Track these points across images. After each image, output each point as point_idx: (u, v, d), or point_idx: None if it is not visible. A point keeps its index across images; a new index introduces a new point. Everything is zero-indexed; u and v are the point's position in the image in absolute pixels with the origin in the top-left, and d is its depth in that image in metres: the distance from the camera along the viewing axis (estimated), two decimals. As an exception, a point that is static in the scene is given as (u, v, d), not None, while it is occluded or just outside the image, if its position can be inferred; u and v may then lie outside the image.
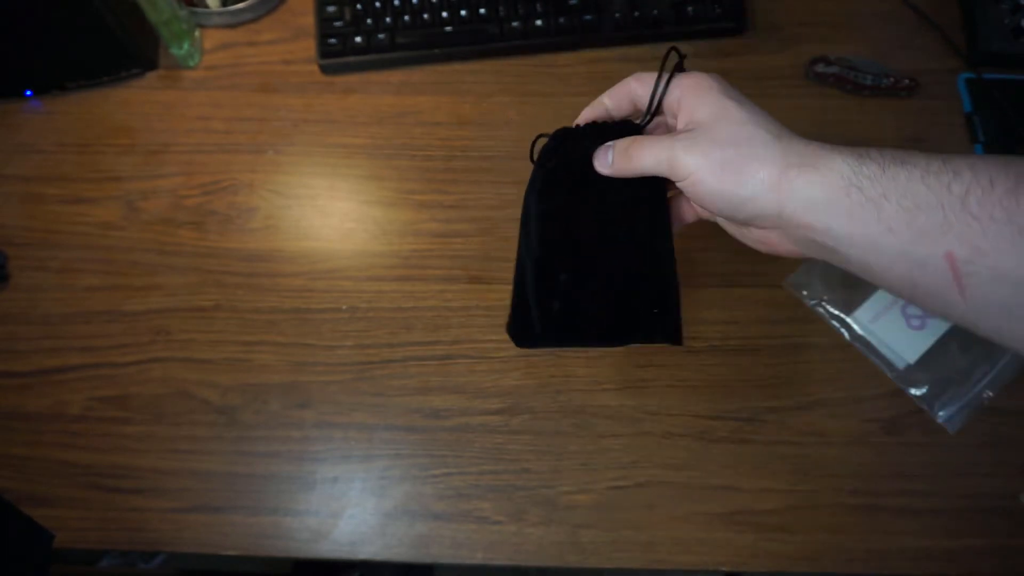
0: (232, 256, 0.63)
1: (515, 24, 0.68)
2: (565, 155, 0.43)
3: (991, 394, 0.56)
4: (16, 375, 0.59)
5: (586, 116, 0.45)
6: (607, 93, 0.45)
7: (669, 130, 0.44)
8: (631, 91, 0.44)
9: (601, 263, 0.43)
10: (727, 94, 0.40)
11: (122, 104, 0.68)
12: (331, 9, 0.69)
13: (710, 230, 0.62)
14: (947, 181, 0.32)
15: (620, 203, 0.43)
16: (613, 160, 0.42)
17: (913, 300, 0.36)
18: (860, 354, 0.59)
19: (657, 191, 0.43)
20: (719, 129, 0.38)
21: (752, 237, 0.41)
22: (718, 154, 0.38)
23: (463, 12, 0.68)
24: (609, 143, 0.42)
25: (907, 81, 0.66)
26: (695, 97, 0.40)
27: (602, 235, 0.43)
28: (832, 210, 0.35)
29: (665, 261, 0.43)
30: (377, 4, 0.69)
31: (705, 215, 0.43)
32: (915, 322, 0.58)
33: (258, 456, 0.57)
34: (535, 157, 0.45)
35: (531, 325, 0.43)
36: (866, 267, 0.36)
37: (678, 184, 0.40)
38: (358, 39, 0.68)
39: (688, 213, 0.45)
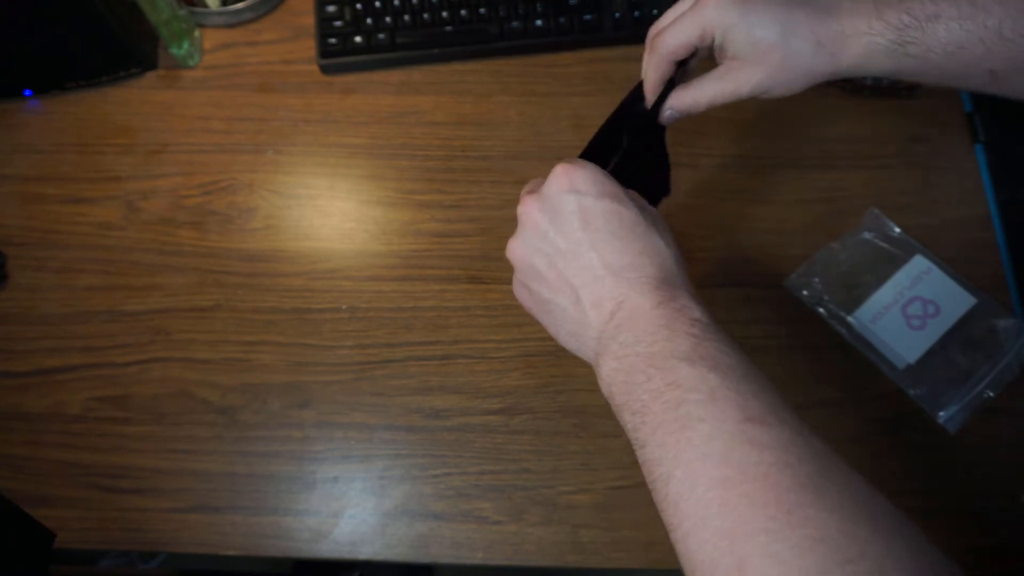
0: (232, 256, 0.63)
1: (515, 24, 0.68)
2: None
3: (991, 394, 0.56)
4: (16, 375, 0.59)
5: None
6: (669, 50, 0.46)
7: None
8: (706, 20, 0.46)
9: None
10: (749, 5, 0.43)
11: (122, 104, 0.68)
12: (331, 9, 0.69)
13: (710, 231, 0.63)
14: (982, 20, 0.39)
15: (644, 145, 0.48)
16: (682, 109, 0.46)
17: (985, 88, 0.44)
18: (860, 354, 0.59)
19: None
20: (768, 58, 0.43)
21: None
22: (781, 77, 0.43)
23: (463, 12, 0.68)
24: (668, 104, 0.46)
25: (907, 81, 0.66)
26: (730, 36, 0.44)
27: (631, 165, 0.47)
28: (885, 70, 0.42)
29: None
30: (377, 4, 0.69)
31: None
32: (915, 322, 0.58)
33: (258, 456, 0.57)
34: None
35: None
36: (916, 79, 0.44)
37: (756, 98, 0.45)
38: (358, 39, 0.68)
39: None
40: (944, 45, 0.40)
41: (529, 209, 0.41)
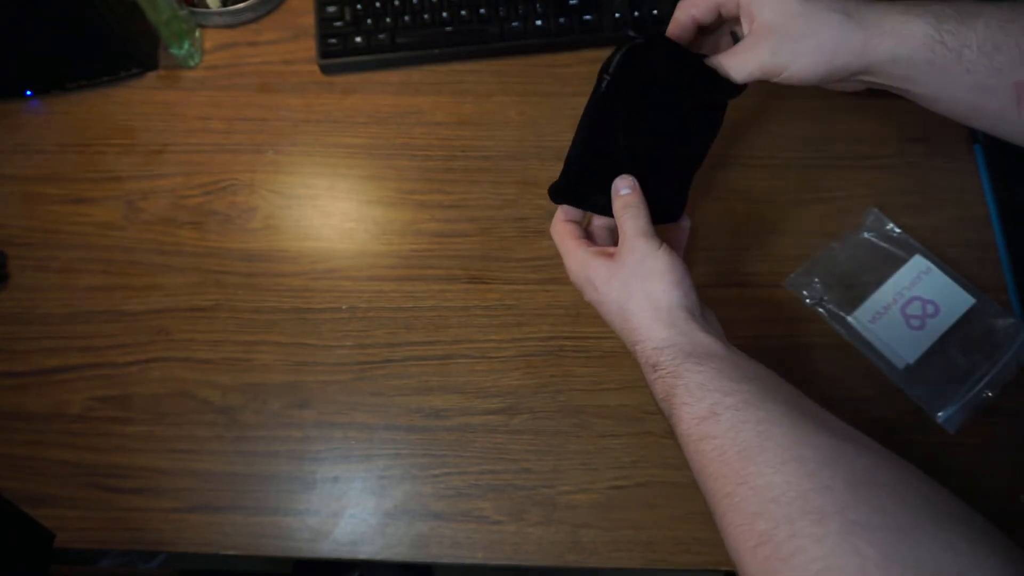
0: (232, 256, 0.63)
1: (515, 24, 0.68)
2: (643, 67, 0.47)
3: (991, 394, 0.56)
4: (16, 375, 0.59)
5: (674, 30, 0.48)
6: (692, 3, 0.48)
7: (730, 36, 0.49)
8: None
9: (659, 156, 0.48)
10: None
11: (122, 104, 0.68)
12: (331, 9, 0.69)
13: (710, 231, 0.63)
14: (1022, 25, 0.39)
15: (686, 113, 0.48)
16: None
17: (968, 120, 0.45)
18: (860, 354, 0.59)
19: (722, 115, 0.49)
20: (792, 26, 0.42)
21: (827, 87, 0.47)
22: (803, 47, 0.42)
23: (463, 12, 0.68)
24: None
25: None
26: (756, 2, 0.44)
27: (665, 134, 0.48)
28: (915, 63, 0.41)
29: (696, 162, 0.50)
30: (377, 4, 0.69)
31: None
32: (915, 322, 0.58)
33: (258, 456, 0.57)
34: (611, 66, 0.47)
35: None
36: (933, 100, 0.44)
37: (771, 80, 0.45)
38: (358, 39, 0.68)
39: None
40: (980, 42, 0.40)
41: None
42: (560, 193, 0.50)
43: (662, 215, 0.50)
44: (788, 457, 0.34)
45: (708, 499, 0.37)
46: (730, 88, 0.47)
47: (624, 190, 0.47)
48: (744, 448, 0.36)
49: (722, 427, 0.37)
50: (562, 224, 0.51)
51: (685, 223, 0.53)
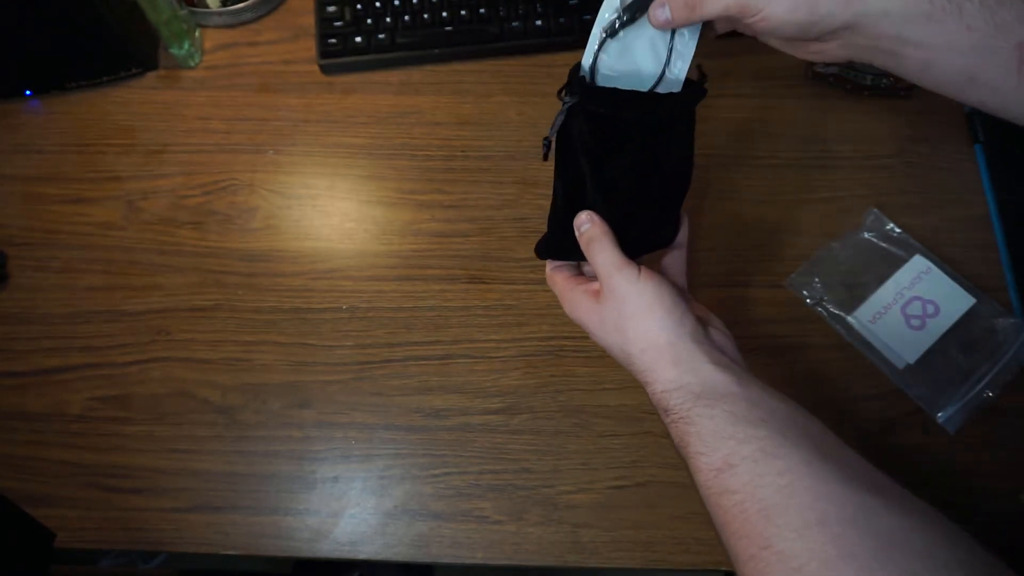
0: (232, 256, 0.63)
1: (515, 24, 0.68)
2: (587, 119, 0.44)
3: (991, 394, 0.56)
4: (16, 375, 0.59)
5: None
6: None
7: None
8: None
9: (635, 191, 0.46)
10: None
11: (122, 104, 0.68)
12: (331, 9, 0.69)
13: (710, 231, 0.63)
14: None
15: (648, 141, 0.44)
16: (672, 13, 0.41)
17: (961, 93, 0.40)
18: (860, 354, 0.59)
19: (690, 128, 0.45)
20: None
21: (806, 50, 0.42)
22: None
23: (463, 12, 0.68)
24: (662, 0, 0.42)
25: (907, 81, 0.66)
26: None
27: (635, 168, 0.45)
28: (909, 17, 0.37)
29: (683, 187, 0.47)
30: (377, 4, 0.69)
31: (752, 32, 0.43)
32: (915, 322, 0.58)
33: (258, 456, 0.57)
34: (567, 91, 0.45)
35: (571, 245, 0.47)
36: (925, 66, 0.39)
37: (745, 20, 0.40)
38: (358, 39, 0.68)
39: (722, 27, 0.45)
40: None
41: None
42: (545, 250, 0.50)
43: (654, 243, 0.48)
44: (811, 519, 0.33)
45: (731, 555, 0.36)
46: (683, 98, 0.44)
47: (584, 226, 0.45)
48: (765, 507, 0.34)
49: (740, 480, 0.35)
50: (551, 270, 0.50)
51: (679, 240, 0.49)
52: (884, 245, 0.61)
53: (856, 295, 0.59)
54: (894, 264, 0.60)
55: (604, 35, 0.45)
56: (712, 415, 0.38)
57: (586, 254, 0.44)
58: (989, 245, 0.62)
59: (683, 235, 0.49)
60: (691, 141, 0.46)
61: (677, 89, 0.45)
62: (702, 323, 0.43)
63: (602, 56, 0.45)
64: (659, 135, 0.44)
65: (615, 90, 0.44)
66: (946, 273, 0.59)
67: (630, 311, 0.42)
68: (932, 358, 0.57)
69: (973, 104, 0.41)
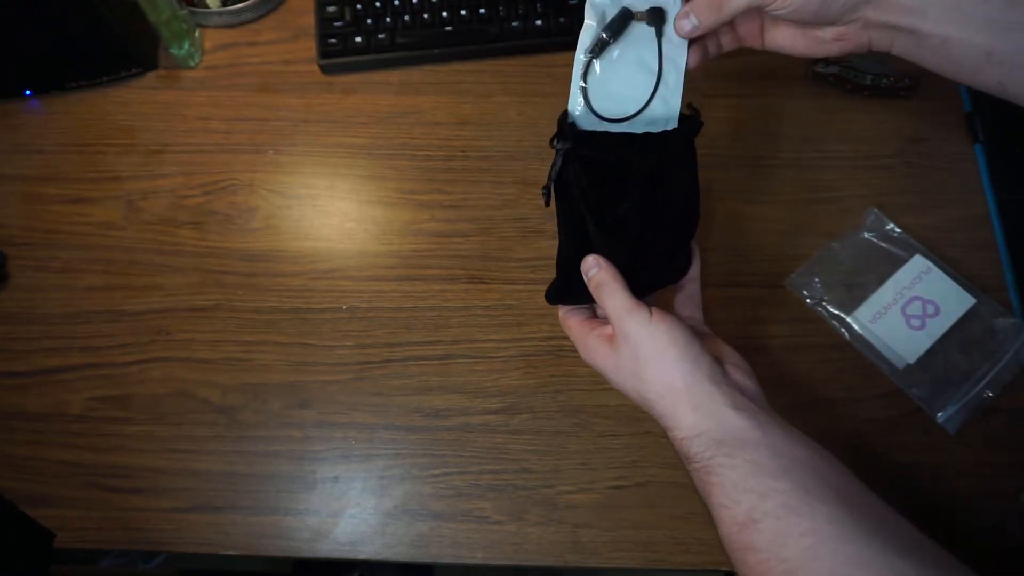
0: (232, 256, 0.63)
1: (515, 24, 0.68)
2: (583, 165, 0.44)
3: (991, 394, 0.56)
4: (16, 375, 0.59)
5: None
6: None
7: None
8: None
9: (640, 230, 0.45)
10: None
11: (122, 104, 0.68)
12: (331, 9, 0.69)
13: (711, 231, 0.63)
14: None
15: (649, 178, 0.44)
16: (699, 18, 0.42)
17: (975, 76, 0.40)
18: (860, 354, 0.59)
19: (691, 162, 0.45)
20: None
21: (824, 37, 0.42)
22: None
23: (463, 12, 0.68)
24: (686, 7, 0.42)
25: (907, 81, 0.66)
26: None
27: (638, 208, 0.45)
28: None
29: (692, 219, 0.46)
30: (377, 4, 0.69)
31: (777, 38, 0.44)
32: (915, 322, 0.58)
33: (258, 456, 0.57)
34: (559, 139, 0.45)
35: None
36: (943, 42, 0.39)
37: (767, 7, 0.40)
38: (358, 39, 0.68)
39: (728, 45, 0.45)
40: None
41: None
42: (555, 296, 0.49)
43: (665, 280, 0.47)
44: None
45: None
46: (678, 135, 0.44)
47: (592, 270, 0.44)
48: (789, 569, 0.34)
49: (764, 538, 0.35)
50: (563, 314, 0.48)
51: (692, 274, 0.48)
52: (884, 245, 0.61)
53: (856, 295, 0.59)
54: (894, 264, 0.60)
55: (589, 57, 0.45)
56: (734, 465, 0.37)
57: (596, 299, 0.44)
58: (989, 245, 0.62)
59: (695, 269, 0.48)
60: (694, 175, 0.45)
61: (673, 124, 0.45)
62: (719, 361, 0.42)
63: (591, 81, 0.45)
64: (659, 173, 0.44)
65: (606, 133, 0.44)
66: (946, 273, 0.59)
67: (645, 356, 0.41)
68: (932, 358, 0.57)
69: (991, 89, 0.41)
